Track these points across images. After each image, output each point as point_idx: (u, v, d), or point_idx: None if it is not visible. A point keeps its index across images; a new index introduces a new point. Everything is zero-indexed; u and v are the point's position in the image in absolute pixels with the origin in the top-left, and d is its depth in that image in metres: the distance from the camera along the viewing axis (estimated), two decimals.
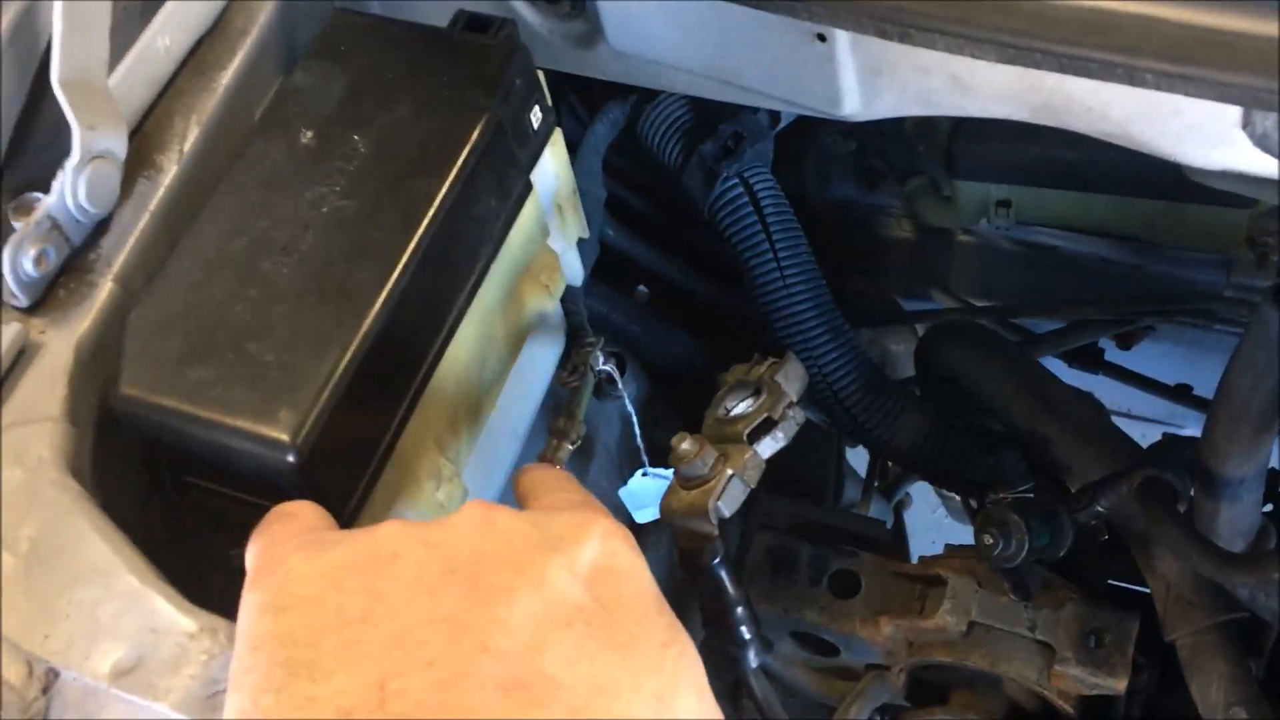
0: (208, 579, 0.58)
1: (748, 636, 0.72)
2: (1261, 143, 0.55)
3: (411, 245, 0.58)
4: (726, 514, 0.66)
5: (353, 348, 0.56)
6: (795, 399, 0.70)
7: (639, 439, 0.77)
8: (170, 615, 0.52)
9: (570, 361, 0.78)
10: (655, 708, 0.42)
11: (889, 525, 1.42)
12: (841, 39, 0.61)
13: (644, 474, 0.73)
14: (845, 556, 0.89)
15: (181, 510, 0.62)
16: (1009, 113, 0.62)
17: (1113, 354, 1.28)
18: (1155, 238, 1.13)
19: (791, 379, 0.70)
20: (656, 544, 0.90)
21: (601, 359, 0.77)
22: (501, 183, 0.65)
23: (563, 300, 0.84)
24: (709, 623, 0.74)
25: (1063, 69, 0.50)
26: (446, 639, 0.40)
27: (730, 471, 0.65)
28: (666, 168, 1.01)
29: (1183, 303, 1.16)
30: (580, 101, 1.08)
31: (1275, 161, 0.56)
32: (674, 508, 0.67)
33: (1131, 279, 1.18)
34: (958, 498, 1.16)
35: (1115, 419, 1.21)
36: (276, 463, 0.54)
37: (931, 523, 1.65)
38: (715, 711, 0.45)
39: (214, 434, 0.55)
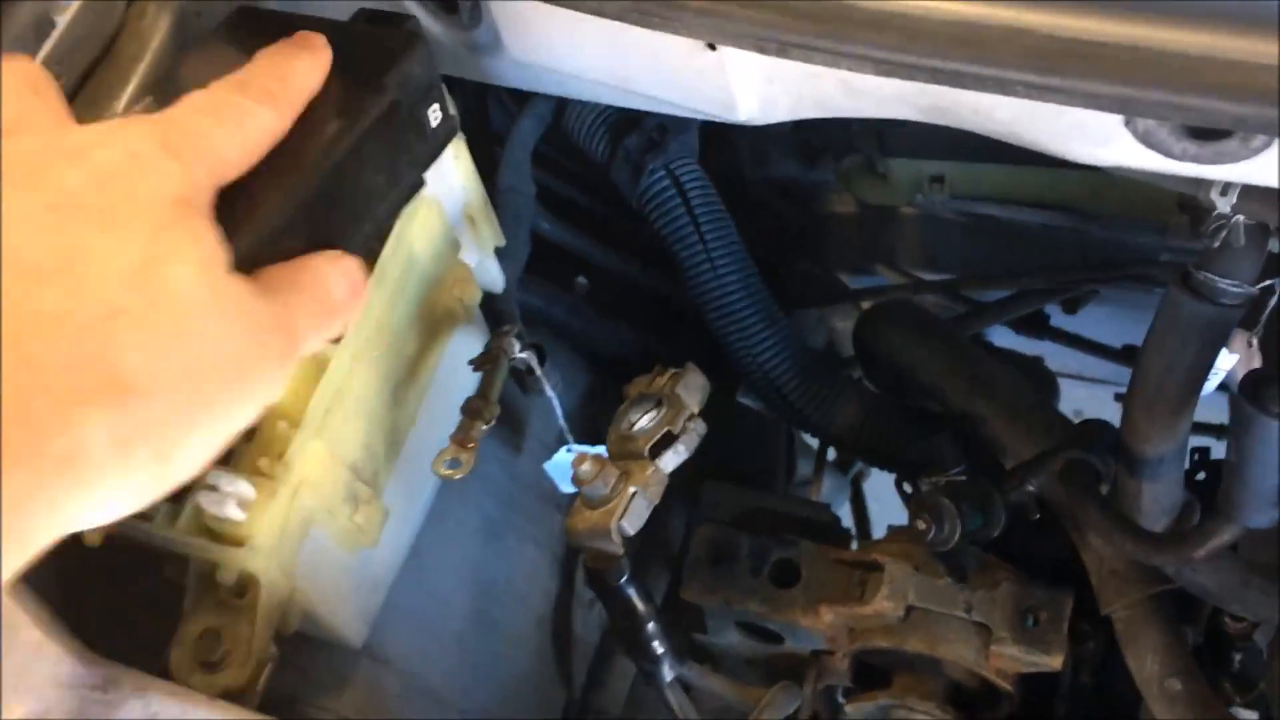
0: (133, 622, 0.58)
1: (660, 651, 0.73)
2: (1145, 139, 0.55)
3: (283, 199, 0.56)
4: (630, 532, 0.66)
5: None
6: (696, 410, 0.70)
7: (561, 419, 0.77)
8: (74, 669, 0.52)
9: (486, 346, 0.77)
10: (136, 273, 0.40)
11: (848, 498, 1.42)
12: (731, 49, 0.60)
13: (568, 450, 0.74)
14: (785, 545, 0.90)
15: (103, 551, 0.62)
16: (901, 114, 0.61)
17: (1060, 318, 1.28)
18: (1090, 206, 1.13)
19: (692, 390, 0.70)
20: None
21: (518, 346, 0.77)
22: (392, 164, 0.63)
23: (494, 300, 0.83)
24: (622, 639, 0.74)
25: (936, 81, 0.50)
26: None
27: (633, 490, 0.66)
28: (594, 162, 1.00)
29: (1123, 268, 1.16)
30: (509, 95, 1.07)
31: (1161, 156, 0.55)
32: (579, 529, 0.67)
33: (1073, 245, 1.18)
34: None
35: (1065, 381, 1.22)
36: None
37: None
38: (226, 286, 0.43)
39: None
